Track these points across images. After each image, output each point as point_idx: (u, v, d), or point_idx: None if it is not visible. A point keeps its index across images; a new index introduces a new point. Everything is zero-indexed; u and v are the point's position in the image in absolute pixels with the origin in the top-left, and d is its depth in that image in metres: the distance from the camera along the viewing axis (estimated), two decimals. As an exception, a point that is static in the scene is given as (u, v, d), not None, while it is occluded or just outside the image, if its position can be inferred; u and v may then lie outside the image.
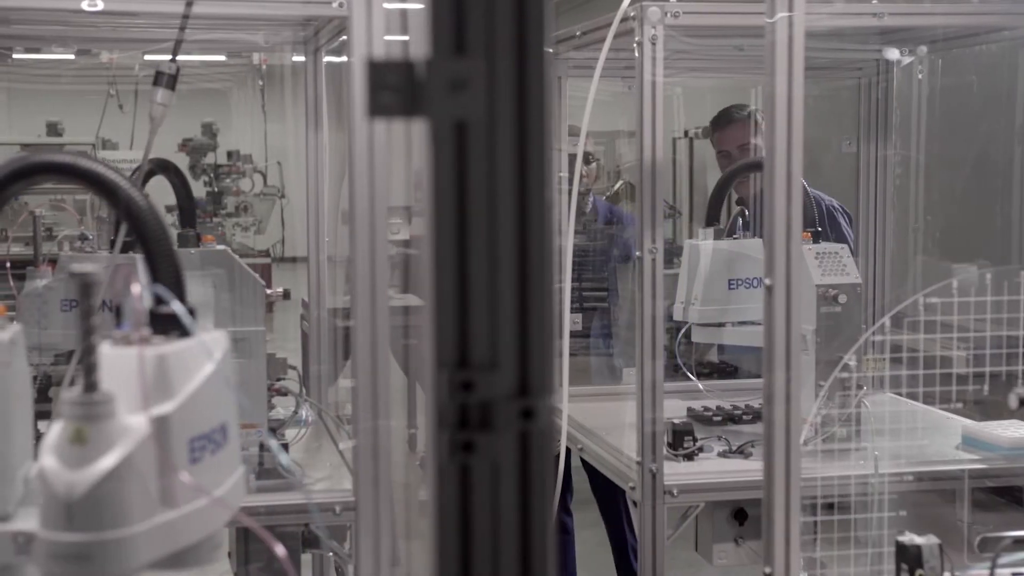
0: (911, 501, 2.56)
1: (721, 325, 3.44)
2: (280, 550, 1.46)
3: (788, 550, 2.23)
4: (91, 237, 3.02)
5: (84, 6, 2.68)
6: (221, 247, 3.27)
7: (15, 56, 5.07)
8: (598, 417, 3.68)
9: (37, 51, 5.85)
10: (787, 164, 2.21)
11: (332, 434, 3.50)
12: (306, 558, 3.47)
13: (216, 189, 10.28)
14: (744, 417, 3.68)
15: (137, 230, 1.60)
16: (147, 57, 6.62)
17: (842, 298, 3.23)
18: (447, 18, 1.05)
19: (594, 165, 4.77)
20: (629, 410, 3.23)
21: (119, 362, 1.37)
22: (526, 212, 1.07)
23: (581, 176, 4.24)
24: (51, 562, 1.31)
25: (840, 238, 3.97)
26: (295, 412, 3.36)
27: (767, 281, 2.26)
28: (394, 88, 1.05)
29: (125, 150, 9.51)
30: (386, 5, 2.22)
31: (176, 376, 1.38)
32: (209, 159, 10.41)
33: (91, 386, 1.31)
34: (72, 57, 7.35)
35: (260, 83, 10.28)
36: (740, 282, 3.37)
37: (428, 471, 1.09)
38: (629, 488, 3.13)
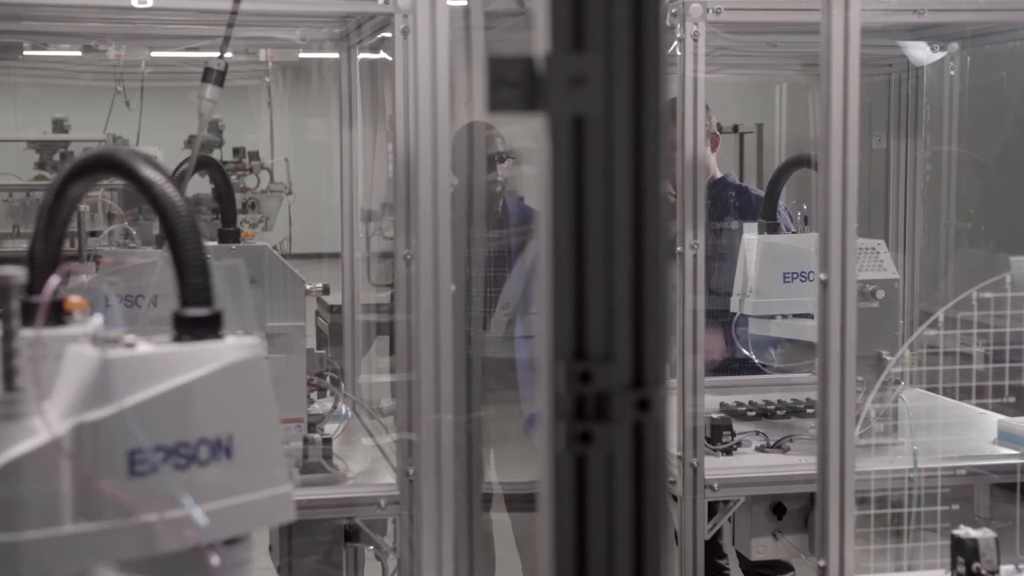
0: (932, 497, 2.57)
1: (773, 317, 3.45)
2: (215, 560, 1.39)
3: (843, 543, 2.24)
4: (134, 233, 3.03)
5: (134, 3, 2.69)
6: (261, 243, 3.29)
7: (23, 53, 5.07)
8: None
9: (44, 47, 5.85)
10: (843, 160, 2.22)
11: (368, 428, 3.51)
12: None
13: (222, 185, 10.25)
14: (778, 412, 3.69)
15: (167, 228, 1.56)
16: (153, 54, 6.62)
17: (880, 294, 3.24)
18: (566, 14, 1.06)
19: (508, 163, 4.52)
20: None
21: (76, 362, 1.33)
22: (641, 205, 1.09)
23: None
24: None
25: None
26: (334, 407, 3.39)
27: (821, 276, 2.27)
28: (513, 84, 1.07)
29: (133, 147, 9.51)
30: (449, 2, 2.24)
31: (121, 383, 1.30)
32: (215, 156, 10.40)
33: (8, 385, 1.29)
34: (79, 54, 7.35)
35: (267, 79, 10.29)
36: (796, 276, 3.38)
37: (543, 461, 1.11)
38: (668, 483, 3.14)
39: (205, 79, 2.69)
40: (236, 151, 10.82)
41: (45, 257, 1.61)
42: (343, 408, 3.42)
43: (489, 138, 4.39)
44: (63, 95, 10.26)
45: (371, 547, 3.16)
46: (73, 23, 3.59)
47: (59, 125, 9.96)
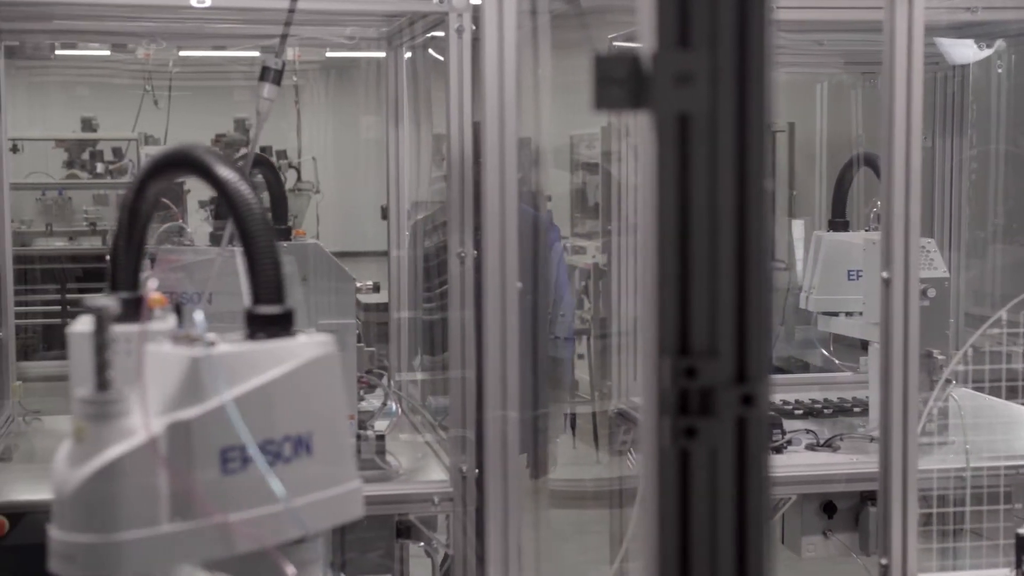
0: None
1: (835, 314, 3.45)
2: (291, 570, 1.36)
3: (905, 541, 2.24)
4: (189, 230, 3.06)
5: (193, 3, 2.71)
6: (312, 241, 3.31)
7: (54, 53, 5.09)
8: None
9: (73, 47, 5.86)
10: (906, 159, 2.22)
11: (416, 425, 3.53)
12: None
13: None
14: (825, 411, 3.69)
15: (241, 226, 1.55)
16: (181, 53, 6.66)
17: (931, 292, 3.23)
18: (672, 12, 1.07)
19: None
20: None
21: (158, 361, 1.33)
22: (745, 202, 1.09)
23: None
24: (50, 559, 1.27)
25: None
26: (383, 404, 3.40)
27: (884, 274, 2.27)
28: (620, 82, 1.07)
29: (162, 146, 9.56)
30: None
31: (211, 381, 1.31)
32: (241, 154, 10.42)
33: (101, 384, 1.28)
34: (108, 53, 7.38)
35: (294, 79, 10.34)
36: (860, 273, 3.37)
37: (646, 456, 1.11)
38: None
39: (263, 78, 2.70)
40: (263, 150, 10.85)
41: (127, 255, 1.63)
42: (392, 405, 3.44)
43: None
44: (92, 94, 10.31)
45: (420, 543, 3.18)
46: (119, 22, 3.61)
47: (88, 124, 10.02)
